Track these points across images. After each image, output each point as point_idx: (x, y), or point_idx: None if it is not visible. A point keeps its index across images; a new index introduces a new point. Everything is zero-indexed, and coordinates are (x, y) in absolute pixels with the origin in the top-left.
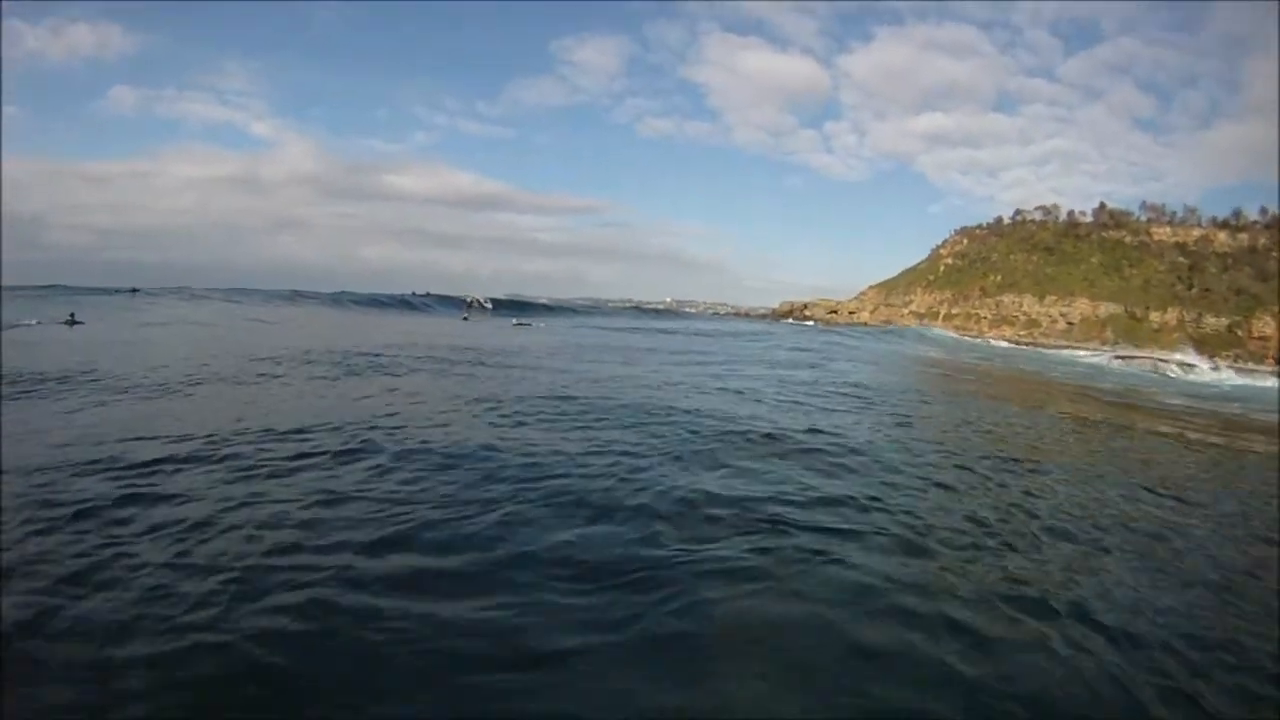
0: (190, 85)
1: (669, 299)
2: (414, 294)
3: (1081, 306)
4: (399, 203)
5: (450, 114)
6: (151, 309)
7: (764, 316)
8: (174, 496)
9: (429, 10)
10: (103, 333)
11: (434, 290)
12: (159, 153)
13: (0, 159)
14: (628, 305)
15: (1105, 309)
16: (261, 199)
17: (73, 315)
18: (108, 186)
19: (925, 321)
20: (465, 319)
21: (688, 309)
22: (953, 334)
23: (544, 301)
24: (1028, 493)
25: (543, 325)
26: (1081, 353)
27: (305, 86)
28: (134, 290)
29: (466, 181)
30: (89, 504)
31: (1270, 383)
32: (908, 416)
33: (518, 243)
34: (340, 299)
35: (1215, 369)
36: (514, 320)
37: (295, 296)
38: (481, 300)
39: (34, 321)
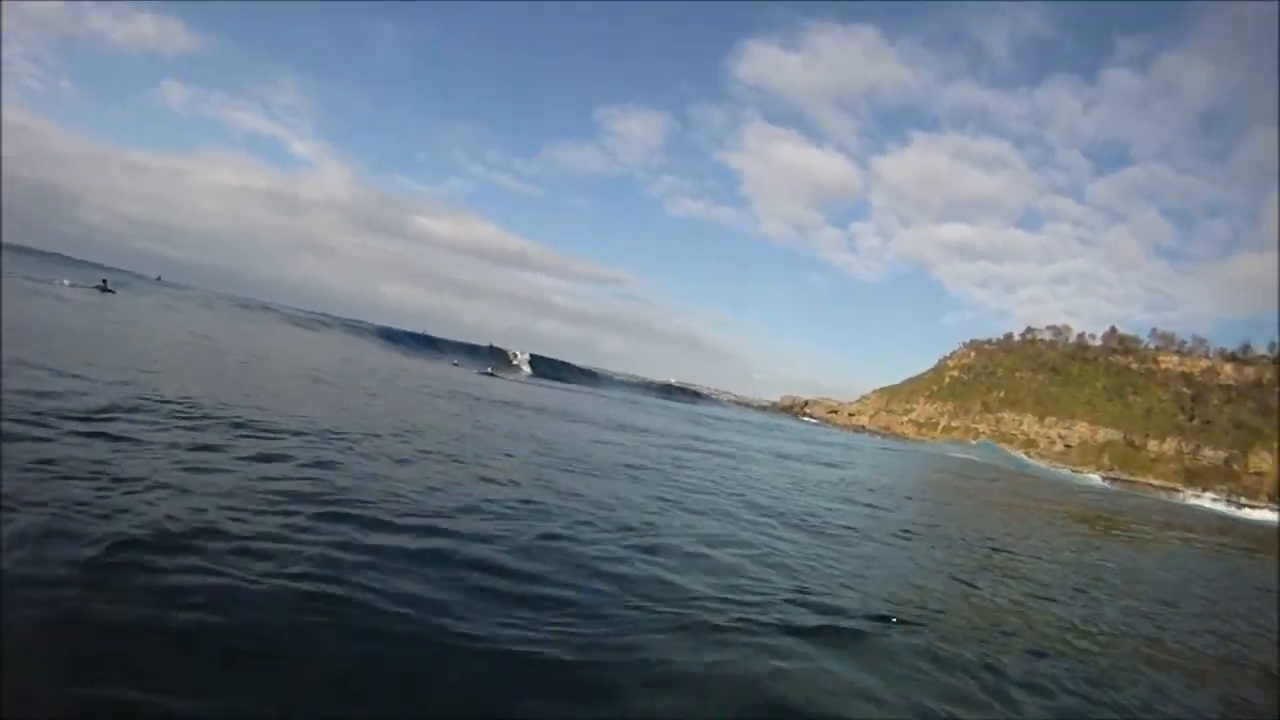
0: (240, 93)
1: (673, 379)
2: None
3: (1081, 430)
4: (424, 245)
5: (489, 166)
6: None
7: (764, 409)
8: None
9: (486, 58)
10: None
11: (450, 337)
12: (197, 153)
13: (0, 114)
14: (662, 382)
15: (1104, 434)
16: (291, 217)
17: (105, 282)
18: (144, 176)
19: (923, 432)
20: (490, 374)
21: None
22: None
23: (578, 365)
24: None
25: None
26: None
27: (353, 113)
28: (158, 278)
29: (492, 234)
30: None
31: (1265, 515)
32: None
33: (534, 302)
34: (389, 333)
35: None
36: (488, 369)
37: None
38: (519, 356)
39: (66, 282)
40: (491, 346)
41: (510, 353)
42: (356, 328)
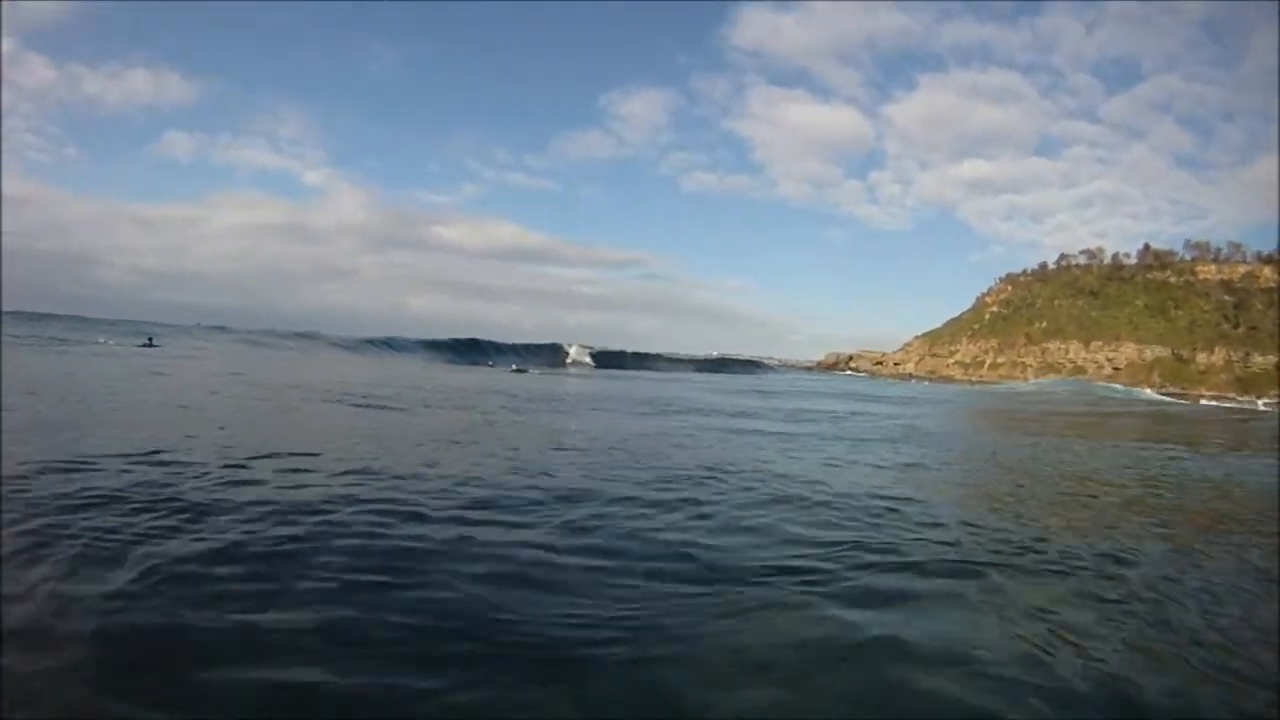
0: (244, 132)
1: (714, 353)
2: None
3: (1128, 350)
4: (446, 254)
5: (500, 168)
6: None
7: (809, 369)
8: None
9: (483, 64)
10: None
11: (479, 336)
12: (209, 199)
13: (0, 181)
14: (710, 358)
15: (1151, 352)
16: (310, 247)
17: (150, 339)
18: (157, 230)
19: (970, 372)
20: (521, 370)
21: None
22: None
23: (635, 351)
24: None
25: (536, 372)
26: None
27: (359, 136)
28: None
29: (511, 233)
30: None
31: None
32: None
33: (561, 295)
34: (435, 346)
35: None
36: (512, 366)
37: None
38: (576, 350)
39: (103, 340)
40: (547, 345)
41: (565, 348)
42: (395, 344)
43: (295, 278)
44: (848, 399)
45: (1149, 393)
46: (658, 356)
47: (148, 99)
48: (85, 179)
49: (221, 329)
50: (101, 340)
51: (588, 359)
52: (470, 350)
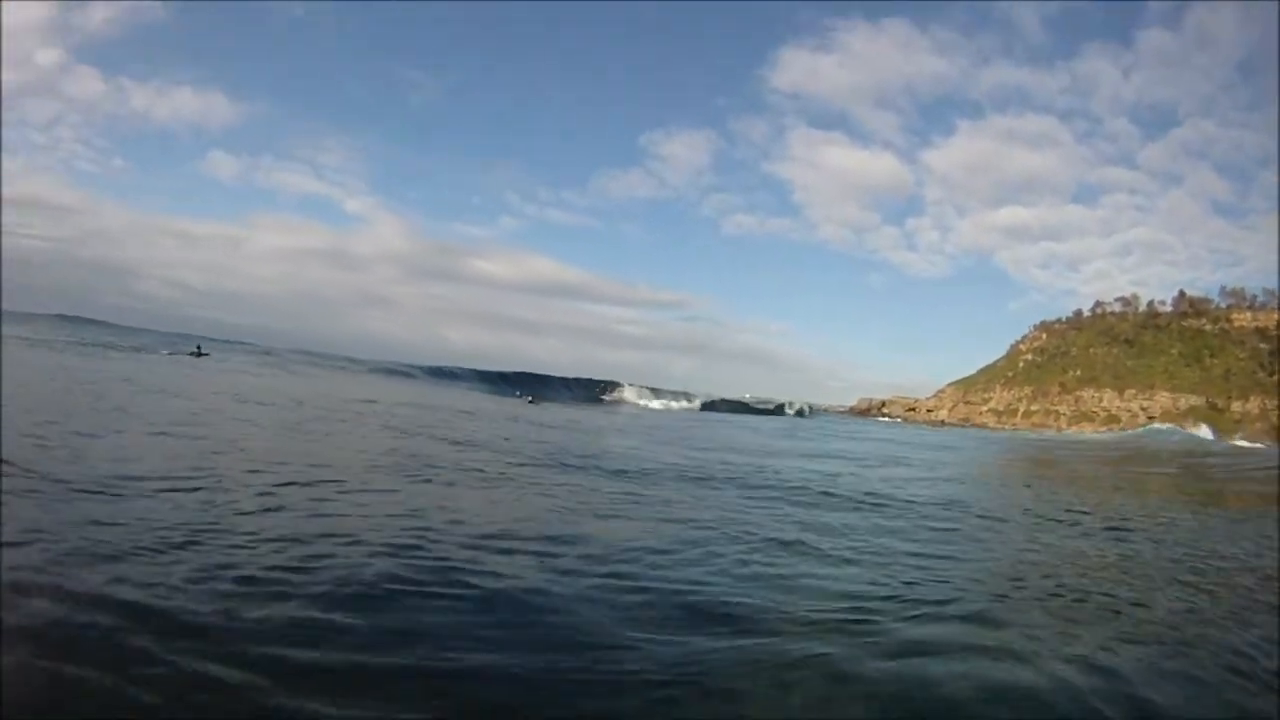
0: (287, 156)
1: (748, 395)
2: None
3: (1162, 399)
4: (483, 287)
5: (540, 203)
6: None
7: (842, 414)
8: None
9: (524, 97)
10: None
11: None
12: (251, 219)
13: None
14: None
15: (1185, 401)
16: (350, 274)
17: (199, 348)
18: (200, 246)
19: (1004, 420)
20: (530, 401)
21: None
22: None
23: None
24: None
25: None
26: None
27: (401, 166)
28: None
29: (550, 269)
30: None
31: None
32: None
33: (598, 332)
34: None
35: None
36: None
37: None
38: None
39: (166, 352)
40: (604, 380)
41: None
42: (442, 373)
43: (335, 303)
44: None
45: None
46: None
47: (194, 117)
48: (131, 191)
49: (253, 345)
50: (164, 352)
51: (686, 402)
52: (530, 383)
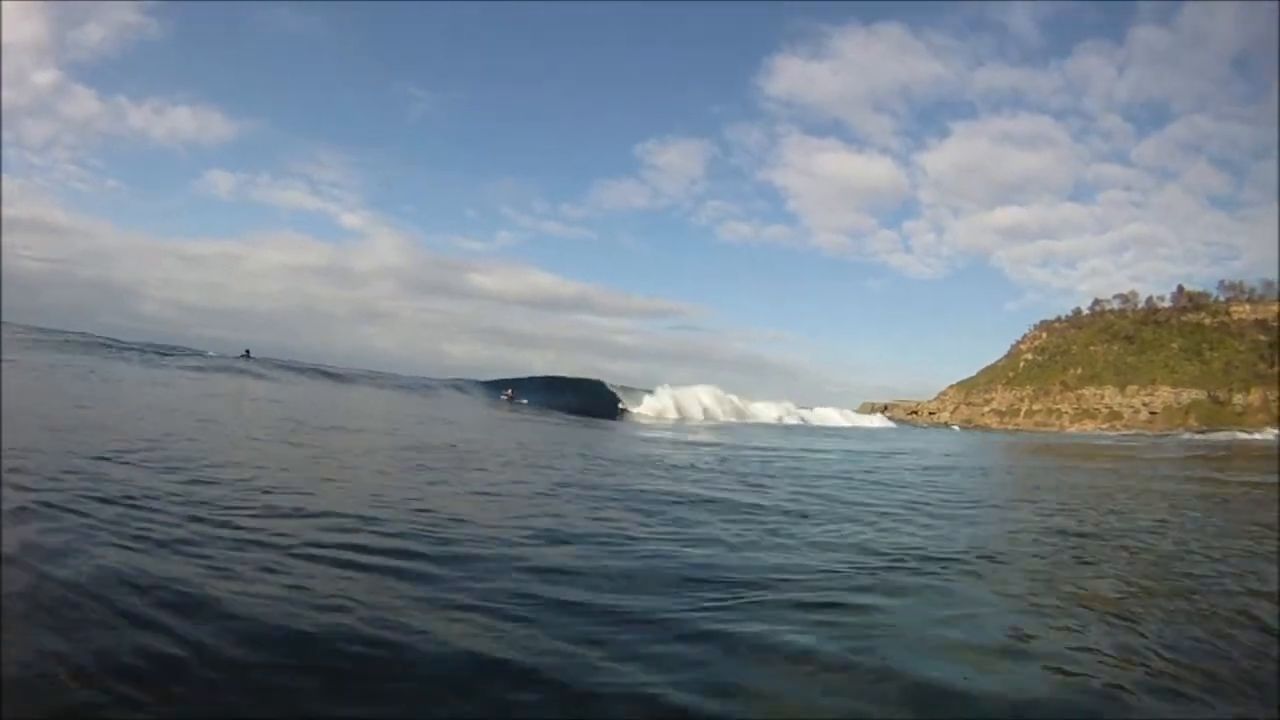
0: (284, 173)
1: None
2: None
3: (1163, 395)
4: (481, 300)
5: (537, 216)
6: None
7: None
8: None
9: (519, 110)
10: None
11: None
12: (250, 237)
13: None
14: None
15: (1187, 395)
16: (348, 290)
17: (248, 351)
18: (198, 265)
19: (1006, 420)
20: (506, 396)
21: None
22: None
23: None
24: None
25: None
26: None
27: (397, 180)
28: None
29: (548, 282)
30: None
31: None
32: None
33: (597, 344)
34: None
35: None
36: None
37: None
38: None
39: (211, 353)
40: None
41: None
42: (462, 386)
43: (335, 319)
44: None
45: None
46: None
47: (190, 135)
48: (127, 212)
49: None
50: (210, 353)
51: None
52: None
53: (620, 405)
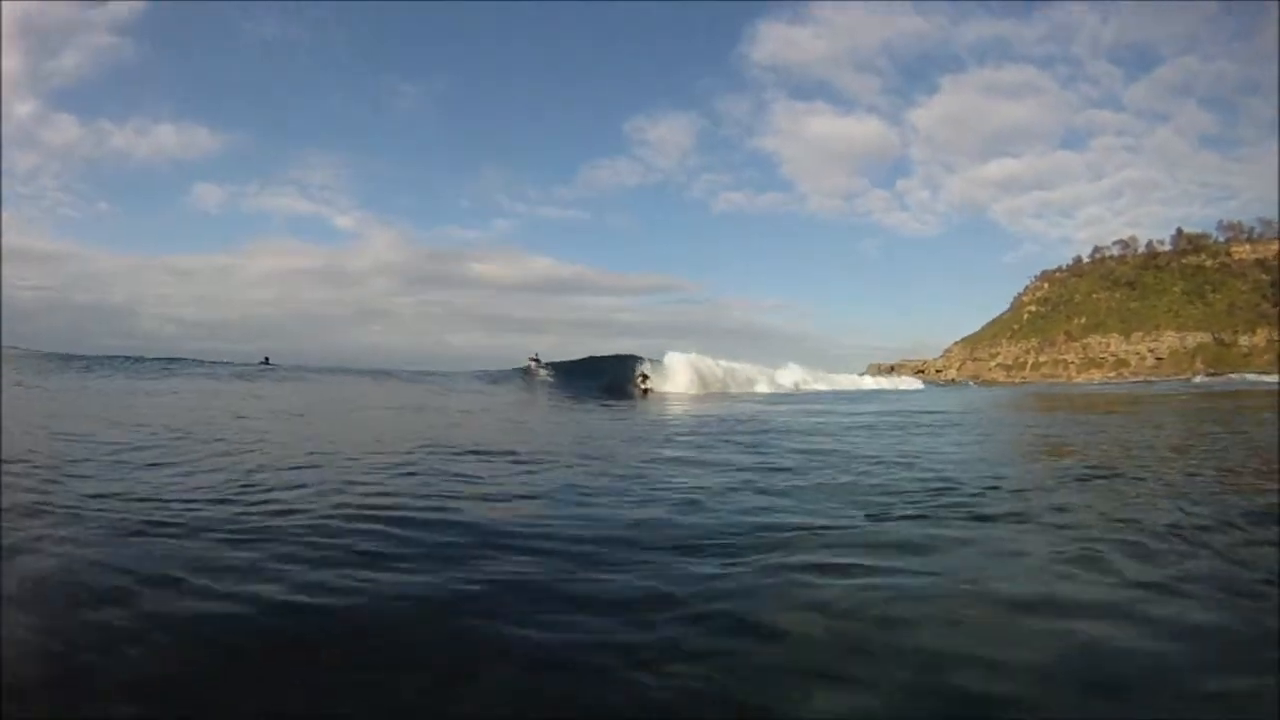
0: (274, 180)
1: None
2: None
3: (1168, 339)
4: (481, 289)
5: (530, 202)
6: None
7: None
8: None
9: (507, 96)
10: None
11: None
12: (243, 248)
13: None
14: None
15: (1192, 339)
16: (346, 290)
17: (267, 359)
18: (194, 280)
19: (1013, 374)
20: (532, 361)
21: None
22: None
23: None
24: None
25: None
26: None
27: (388, 177)
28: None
29: (545, 265)
30: None
31: None
32: None
33: (598, 324)
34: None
35: None
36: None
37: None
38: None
39: (229, 362)
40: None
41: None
42: (487, 375)
43: (334, 320)
44: None
45: None
46: None
47: (175, 152)
48: (118, 233)
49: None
50: (228, 361)
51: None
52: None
53: (645, 374)
